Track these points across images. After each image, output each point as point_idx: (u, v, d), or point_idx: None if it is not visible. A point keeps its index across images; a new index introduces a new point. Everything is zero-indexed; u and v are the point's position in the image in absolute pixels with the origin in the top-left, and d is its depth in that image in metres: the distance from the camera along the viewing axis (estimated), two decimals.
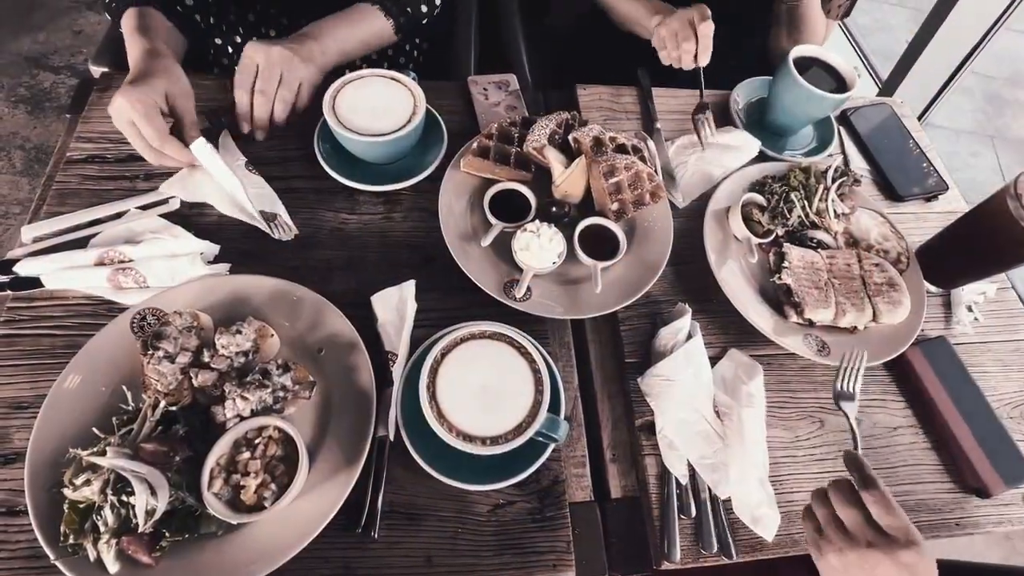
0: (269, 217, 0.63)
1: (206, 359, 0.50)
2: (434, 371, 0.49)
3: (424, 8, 0.81)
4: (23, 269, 0.56)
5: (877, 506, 0.43)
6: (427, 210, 0.67)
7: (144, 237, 0.58)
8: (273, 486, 0.46)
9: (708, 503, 0.54)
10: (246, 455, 0.46)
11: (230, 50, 0.91)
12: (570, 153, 0.65)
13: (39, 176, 1.57)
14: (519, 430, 0.48)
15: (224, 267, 0.59)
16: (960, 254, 0.68)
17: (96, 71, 0.90)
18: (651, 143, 0.70)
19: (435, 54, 1.06)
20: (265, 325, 0.53)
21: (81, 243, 0.59)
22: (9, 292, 0.56)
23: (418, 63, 1.02)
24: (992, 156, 2.31)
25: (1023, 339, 0.70)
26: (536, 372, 0.50)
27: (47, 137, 1.63)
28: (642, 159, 0.66)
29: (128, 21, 0.71)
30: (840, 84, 0.74)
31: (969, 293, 0.70)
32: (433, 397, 0.48)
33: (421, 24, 0.83)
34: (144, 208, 0.62)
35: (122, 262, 0.57)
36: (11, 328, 0.55)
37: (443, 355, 0.50)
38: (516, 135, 0.66)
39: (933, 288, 0.70)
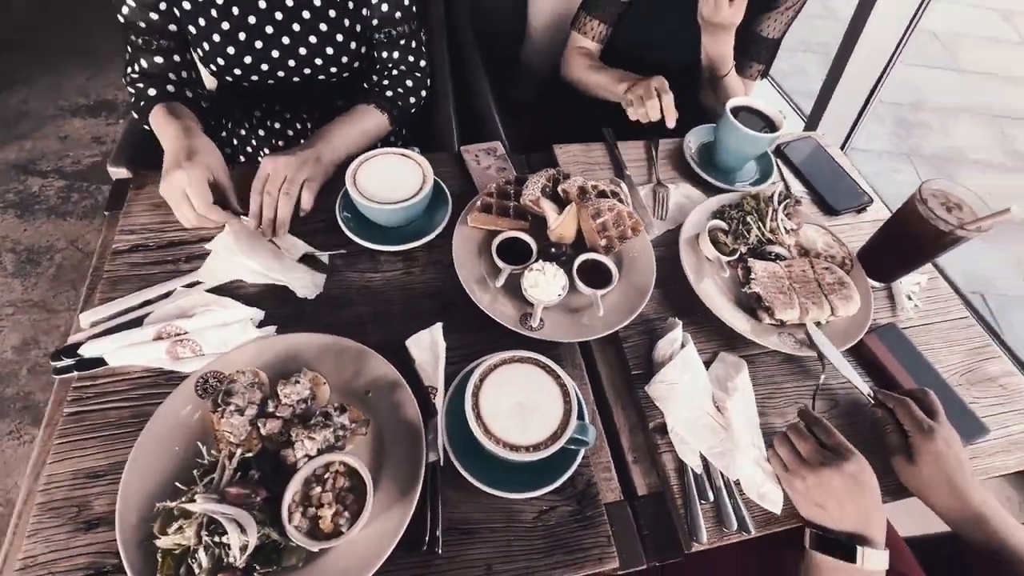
0: (309, 260, 0.71)
1: (270, 409, 0.56)
2: (475, 394, 0.56)
3: (412, 100, 0.95)
4: (87, 351, 0.62)
5: (821, 433, 0.57)
6: (441, 263, 0.76)
7: (196, 310, 0.65)
8: (346, 514, 0.51)
9: (723, 488, 0.62)
10: (318, 489, 0.52)
11: (235, 141, 1.01)
12: (560, 202, 0.76)
13: (31, 276, 1.60)
14: (555, 437, 0.55)
15: (270, 329, 0.66)
16: (892, 252, 0.81)
17: (114, 172, 0.98)
18: (624, 186, 0.83)
19: (420, 130, 1.19)
20: (317, 375, 0.60)
21: (137, 322, 0.65)
22: (75, 373, 0.61)
23: (407, 140, 1.15)
24: (911, 171, 2.60)
25: (957, 318, 0.82)
26: (563, 387, 0.58)
27: (37, 239, 1.68)
28: (620, 200, 0.77)
29: (159, 111, 0.81)
30: (770, 125, 0.89)
31: (907, 284, 0.83)
32: (478, 416, 0.55)
33: (411, 114, 0.96)
34: (189, 286, 0.70)
35: (178, 335, 0.64)
36: (80, 406, 0.60)
37: (481, 380, 0.57)
38: (512, 191, 0.77)
39: (876, 283, 0.83)
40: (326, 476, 0.53)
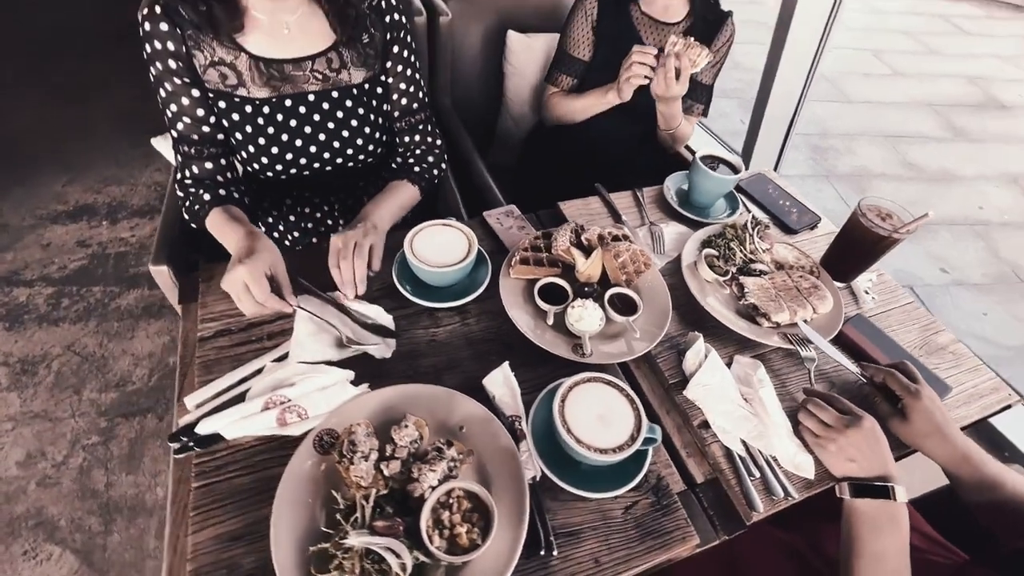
0: (376, 329, 0.81)
1: (388, 453, 0.65)
2: (561, 412, 0.67)
3: (436, 172, 1.09)
4: (203, 429, 0.68)
5: (836, 402, 0.71)
6: (491, 312, 0.88)
7: (295, 379, 0.73)
8: (476, 529, 0.60)
9: (765, 464, 0.75)
10: (447, 514, 0.60)
11: (262, 228, 1.08)
12: (583, 249, 0.91)
13: (28, 388, 1.56)
14: (633, 438, 0.66)
15: (364, 386, 0.74)
16: (846, 258, 1.00)
17: (156, 271, 1.06)
18: (627, 229, 0.99)
19: (429, 203, 1.34)
20: (419, 419, 0.69)
21: (239, 398, 0.72)
22: (196, 450, 0.68)
23: (417, 212, 1.28)
24: (831, 189, 2.99)
25: (906, 303, 1.02)
26: (629, 398, 0.70)
27: (31, 349, 1.65)
28: (630, 242, 0.93)
29: (217, 215, 0.90)
30: (732, 168, 1.10)
31: (863, 282, 1.02)
32: (568, 429, 0.66)
33: (434, 184, 1.10)
34: (278, 360, 0.78)
35: (283, 402, 0.71)
36: (205, 479, 0.66)
37: (563, 400, 0.69)
38: (543, 244, 0.91)
39: (839, 284, 1.01)
40: (450, 501, 0.61)
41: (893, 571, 0.63)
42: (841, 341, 0.92)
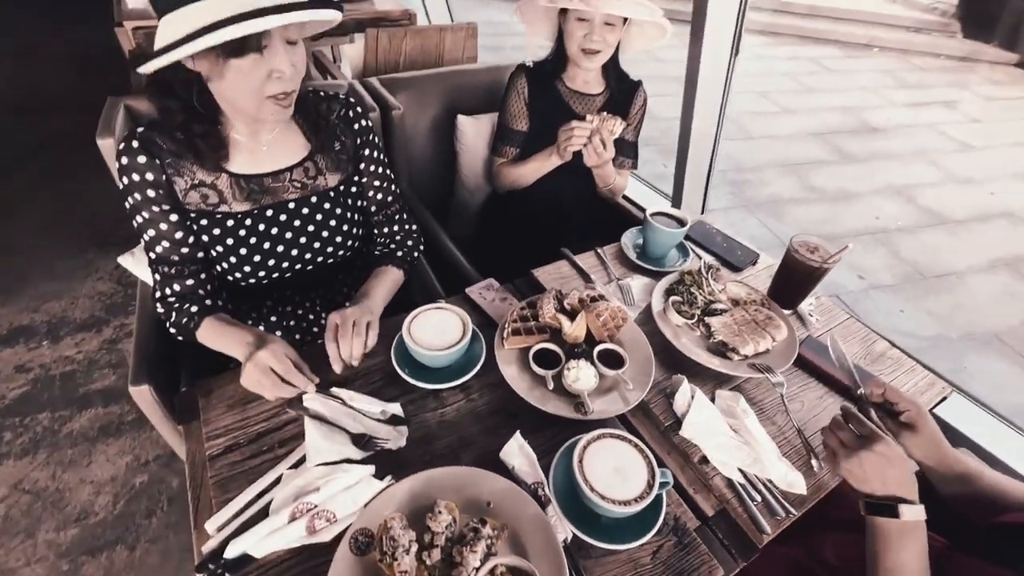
0: (387, 420, 0.83)
1: (427, 542, 0.67)
2: (581, 471, 0.72)
3: (416, 254, 1.17)
4: (231, 553, 0.67)
5: (856, 425, 0.75)
6: (492, 384, 0.93)
7: (318, 483, 0.74)
8: None
9: (764, 488, 0.82)
10: None
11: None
12: (567, 313, 0.99)
13: None
14: (650, 485, 0.72)
15: (388, 478, 0.76)
16: (788, 288, 1.15)
17: (136, 391, 1.03)
18: (601, 290, 1.08)
19: (404, 285, 1.39)
20: (448, 502, 0.72)
21: (262, 513, 0.72)
22: (227, 575, 0.66)
23: (393, 301, 1.32)
24: (753, 218, 3.31)
25: (844, 320, 1.16)
26: (639, 448, 0.76)
27: None
28: (606, 300, 1.02)
29: (209, 326, 0.92)
30: (679, 221, 1.24)
31: (805, 307, 1.16)
32: (592, 488, 0.71)
33: (414, 265, 1.16)
34: (295, 467, 0.78)
35: (310, 509, 0.72)
36: None
37: (580, 461, 0.74)
38: (529, 314, 0.99)
39: (787, 311, 1.15)
40: None
41: None
42: (800, 363, 1.03)
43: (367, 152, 1.08)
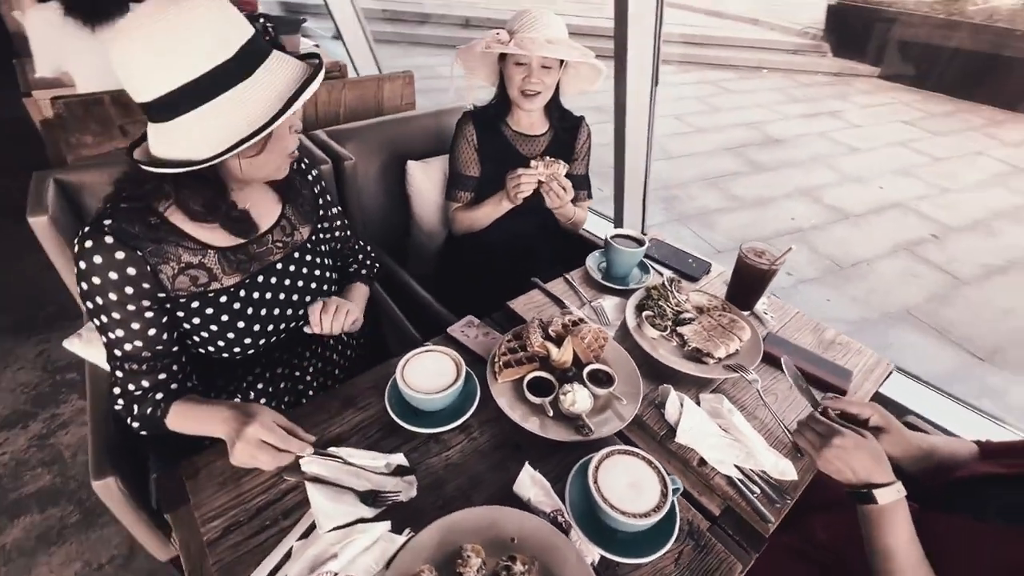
0: (393, 470, 0.82)
1: None
2: (599, 491, 0.74)
3: (376, 269, 1.25)
4: None
5: (816, 425, 0.82)
6: (491, 420, 0.93)
7: (334, 549, 0.71)
8: None
9: (759, 479, 0.88)
10: None
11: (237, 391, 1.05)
12: (553, 340, 1.02)
13: None
14: (664, 495, 0.76)
15: (407, 532, 0.74)
16: (743, 292, 1.25)
17: (100, 485, 0.95)
18: (579, 314, 1.13)
19: (380, 342, 1.37)
20: (474, 544, 0.71)
21: None
22: None
23: (371, 351, 1.31)
24: (687, 230, 3.54)
25: (794, 315, 1.28)
26: (646, 460, 0.80)
27: None
28: (585, 323, 1.07)
29: (179, 410, 0.88)
30: (638, 241, 1.32)
31: (761, 307, 1.27)
32: (612, 506, 0.73)
33: (375, 278, 1.25)
34: (304, 536, 0.74)
35: None
36: None
37: (595, 482, 0.76)
38: (517, 345, 1.01)
39: (746, 312, 1.25)
40: None
41: (905, 563, 0.72)
42: (767, 358, 1.12)
43: (325, 199, 1.10)
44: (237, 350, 0.96)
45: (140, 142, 0.84)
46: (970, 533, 0.78)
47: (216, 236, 0.90)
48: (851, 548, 0.82)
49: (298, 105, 0.77)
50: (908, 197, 4.13)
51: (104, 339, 0.86)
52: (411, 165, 1.67)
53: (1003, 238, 3.68)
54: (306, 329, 0.99)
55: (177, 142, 0.75)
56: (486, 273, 1.58)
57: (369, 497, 0.79)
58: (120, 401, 0.88)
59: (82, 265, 0.80)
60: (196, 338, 0.93)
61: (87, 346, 1.11)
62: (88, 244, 0.79)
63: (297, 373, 1.11)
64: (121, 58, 0.72)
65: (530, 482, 0.81)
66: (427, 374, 0.92)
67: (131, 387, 0.87)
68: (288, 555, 0.72)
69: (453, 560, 0.69)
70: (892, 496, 0.75)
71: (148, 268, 0.82)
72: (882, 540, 0.74)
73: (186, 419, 0.87)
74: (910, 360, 2.54)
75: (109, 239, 0.79)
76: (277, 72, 0.78)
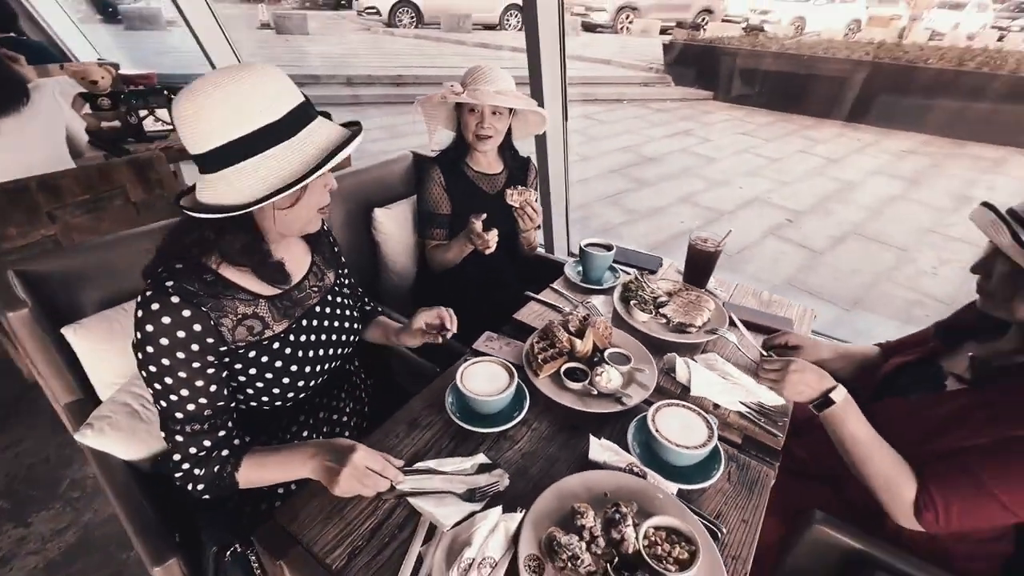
0: (478, 470, 0.91)
1: (588, 538, 0.77)
2: (661, 435, 0.91)
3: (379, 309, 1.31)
4: None
5: (769, 364, 1.07)
6: (543, 412, 1.06)
7: (464, 538, 0.78)
8: (682, 545, 0.77)
9: (761, 410, 1.10)
10: (658, 549, 0.76)
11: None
12: (575, 334, 1.18)
13: None
14: (711, 430, 0.94)
15: (519, 509, 0.83)
16: (697, 272, 1.51)
17: (161, 571, 0.92)
18: (585, 310, 1.30)
19: (390, 372, 1.42)
20: (581, 503, 0.83)
21: None
22: None
23: (384, 386, 1.36)
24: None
25: (737, 285, 1.57)
26: (688, 407, 0.98)
27: None
28: (594, 316, 1.24)
29: (251, 461, 0.90)
30: (607, 247, 1.54)
31: (712, 283, 1.54)
32: (676, 444, 0.89)
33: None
34: (427, 541, 0.80)
35: (470, 566, 0.75)
36: None
37: (656, 429, 0.92)
38: (546, 345, 1.15)
39: (703, 289, 1.51)
40: (654, 539, 0.77)
41: (869, 445, 0.95)
42: (731, 321, 1.38)
43: (337, 245, 1.17)
44: (290, 395, 0.99)
45: (185, 194, 0.87)
46: (898, 410, 1.06)
47: (264, 286, 0.94)
48: (825, 458, 1.07)
49: (331, 164, 0.84)
50: (761, 192, 4.98)
51: (161, 405, 0.85)
52: (378, 212, 1.76)
53: (835, 215, 4.58)
54: (446, 335, 1.12)
55: (223, 191, 0.81)
56: (463, 303, 1.69)
57: (471, 495, 0.87)
58: (184, 466, 0.86)
59: (149, 328, 0.81)
60: (251, 390, 0.95)
61: (99, 436, 1.04)
62: (155, 306, 0.81)
63: (335, 416, 1.14)
64: (183, 115, 0.77)
65: (600, 448, 0.95)
66: (483, 380, 1.02)
67: (193, 450, 0.87)
68: (419, 560, 0.78)
69: (569, 520, 0.80)
70: (842, 393, 0.98)
71: (211, 323, 0.85)
72: (847, 429, 0.97)
73: (263, 468, 0.88)
74: None
75: (175, 299, 0.81)
76: (318, 134, 0.87)
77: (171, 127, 2.53)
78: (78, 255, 1.18)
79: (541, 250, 1.96)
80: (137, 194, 1.76)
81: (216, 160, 0.80)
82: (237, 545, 0.94)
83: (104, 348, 1.12)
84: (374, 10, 12.54)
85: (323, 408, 1.11)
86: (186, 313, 0.82)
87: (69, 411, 1.15)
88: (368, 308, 1.30)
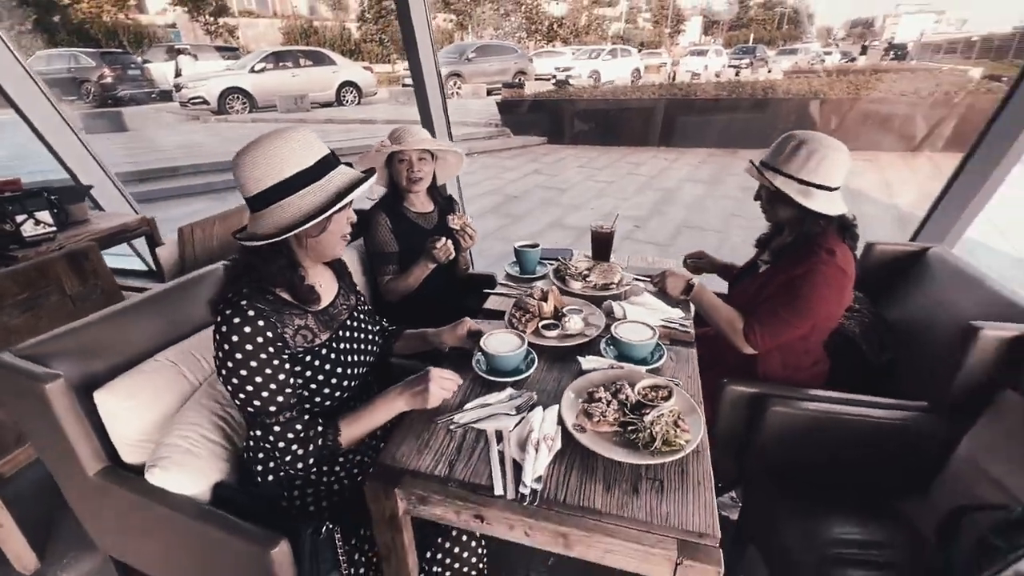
0: (511, 396, 1.24)
1: (613, 405, 1.14)
2: (622, 336, 1.33)
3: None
4: (530, 479, 0.98)
5: (658, 278, 1.62)
6: (542, 354, 1.41)
7: (526, 431, 1.09)
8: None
9: (679, 321, 1.59)
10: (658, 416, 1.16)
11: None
12: (542, 299, 1.57)
13: None
14: (654, 331, 1.39)
15: (555, 405, 1.17)
16: (601, 249, 2.01)
17: (278, 552, 1.07)
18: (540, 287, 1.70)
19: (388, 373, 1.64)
20: (595, 387, 1.19)
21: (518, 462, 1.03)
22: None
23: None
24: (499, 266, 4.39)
25: (627, 257, 2.11)
26: (635, 320, 1.42)
27: None
28: (548, 289, 1.64)
29: (348, 419, 1.14)
30: (534, 246, 1.97)
31: (613, 257, 2.06)
32: (633, 341, 1.32)
33: None
34: (499, 441, 1.10)
35: (539, 440, 1.07)
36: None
37: (618, 334, 1.34)
38: (522, 312, 1.52)
39: (606, 262, 2.01)
40: (651, 395, 1.17)
41: (717, 306, 1.55)
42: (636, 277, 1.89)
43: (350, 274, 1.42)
44: (338, 394, 1.20)
45: (241, 230, 1.11)
46: (740, 290, 1.68)
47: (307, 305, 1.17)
48: (716, 341, 1.61)
49: (349, 199, 1.11)
50: (610, 209, 5.96)
51: (255, 405, 1.04)
52: None
53: (667, 216, 5.70)
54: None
55: (267, 224, 1.06)
56: (423, 322, 1.97)
57: (516, 410, 1.18)
58: (292, 447, 1.05)
59: (234, 338, 1.01)
60: (305, 392, 1.14)
61: (165, 474, 1.13)
62: (237, 320, 1.02)
63: None
64: (237, 168, 1.04)
65: (587, 361, 1.34)
66: (501, 343, 1.34)
67: (292, 435, 1.06)
68: (500, 455, 1.07)
69: (588, 400, 1.15)
70: (696, 280, 1.60)
71: (278, 330, 1.07)
72: (704, 299, 1.58)
73: (360, 422, 1.12)
74: None
75: (251, 312, 1.03)
76: (340, 177, 1.16)
77: (55, 228, 2.43)
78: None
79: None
80: (73, 286, 1.75)
81: (263, 200, 1.05)
82: (329, 523, 1.12)
83: (129, 407, 1.21)
84: (199, 99, 12.09)
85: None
86: (260, 323, 1.04)
87: (102, 477, 1.19)
88: (389, 327, 1.51)
